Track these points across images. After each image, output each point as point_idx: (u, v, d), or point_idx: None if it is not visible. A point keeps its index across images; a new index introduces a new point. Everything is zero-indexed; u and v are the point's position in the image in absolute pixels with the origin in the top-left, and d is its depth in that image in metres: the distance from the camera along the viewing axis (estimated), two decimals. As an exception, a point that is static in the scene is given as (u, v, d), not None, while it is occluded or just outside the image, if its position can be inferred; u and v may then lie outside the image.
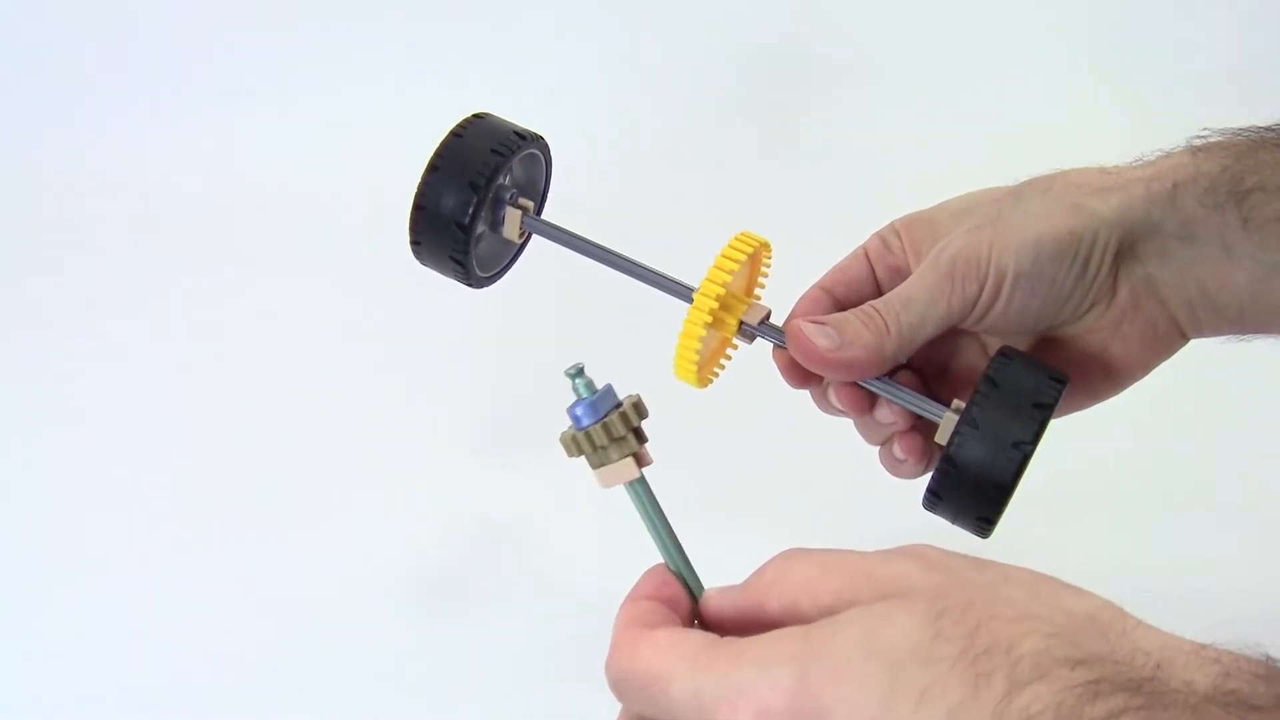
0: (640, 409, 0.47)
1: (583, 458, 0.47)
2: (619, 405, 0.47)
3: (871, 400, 0.57)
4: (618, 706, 0.43)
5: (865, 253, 0.60)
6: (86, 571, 0.83)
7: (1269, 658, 0.36)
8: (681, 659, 0.41)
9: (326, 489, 0.89)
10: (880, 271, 0.59)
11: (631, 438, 0.46)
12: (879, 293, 0.58)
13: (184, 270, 1.11)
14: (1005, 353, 0.54)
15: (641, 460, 0.46)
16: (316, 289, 1.08)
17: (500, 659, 0.76)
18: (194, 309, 1.07)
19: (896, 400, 0.56)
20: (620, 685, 0.42)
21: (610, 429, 0.46)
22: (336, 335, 1.03)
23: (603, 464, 0.46)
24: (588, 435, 0.46)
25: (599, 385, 0.47)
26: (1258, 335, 0.59)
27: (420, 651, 0.76)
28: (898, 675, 0.37)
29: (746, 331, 0.58)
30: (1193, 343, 0.60)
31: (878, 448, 0.59)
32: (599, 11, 1.25)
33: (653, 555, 0.47)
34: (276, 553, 0.84)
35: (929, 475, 0.55)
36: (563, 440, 0.47)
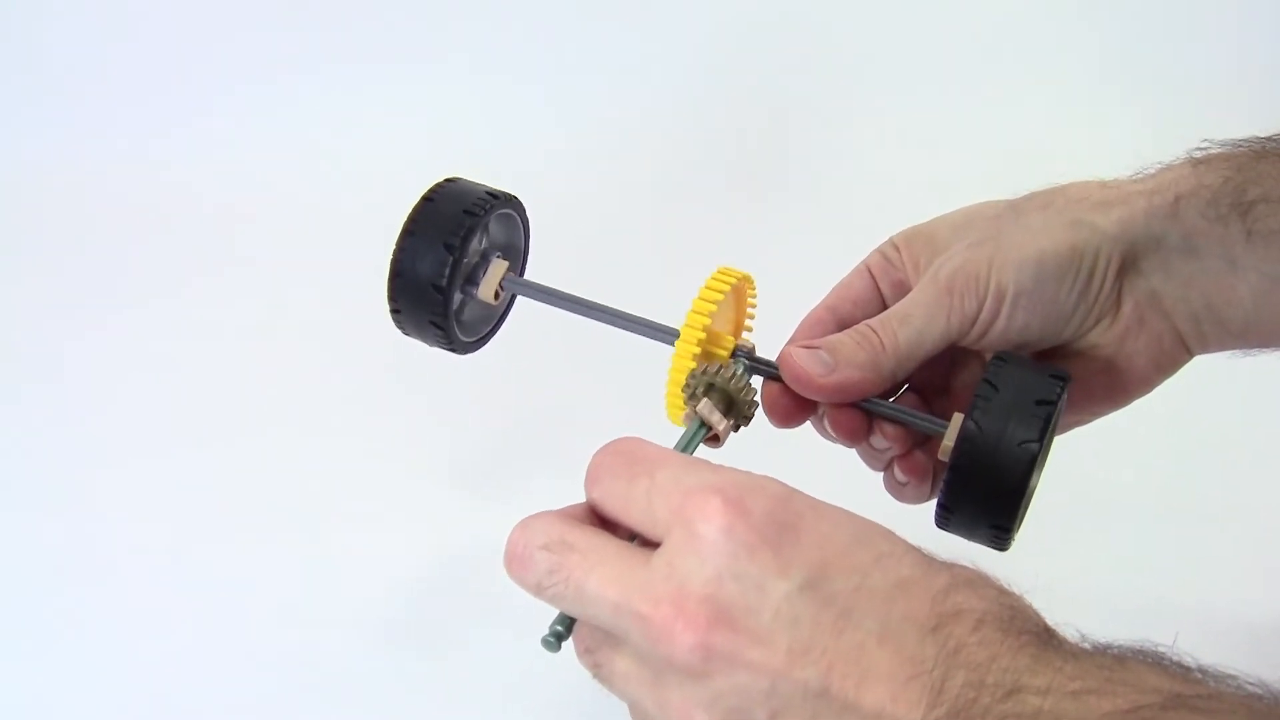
0: (745, 397, 0.54)
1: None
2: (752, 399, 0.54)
3: (868, 427, 0.56)
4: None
5: (868, 269, 0.59)
6: (83, 572, 0.81)
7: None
8: (683, 458, 0.45)
9: (315, 504, 0.87)
10: (885, 288, 0.58)
11: (727, 406, 0.53)
12: (884, 309, 0.57)
13: (183, 274, 1.09)
14: (1001, 356, 0.52)
15: (717, 414, 0.52)
16: (317, 293, 1.07)
17: (489, 688, 0.75)
18: (192, 313, 1.06)
19: (892, 417, 0.55)
20: (604, 458, 0.45)
21: (730, 384, 0.53)
22: (338, 345, 1.01)
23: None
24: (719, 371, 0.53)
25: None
26: (1263, 349, 0.58)
27: (404, 679, 0.75)
28: (865, 535, 0.42)
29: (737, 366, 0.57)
30: (1198, 357, 0.59)
31: (882, 475, 0.59)
32: (590, 41, 1.25)
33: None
34: (270, 563, 0.82)
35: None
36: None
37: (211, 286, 1.09)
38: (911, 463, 0.57)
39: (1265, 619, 0.76)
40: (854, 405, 0.55)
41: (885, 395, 0.55)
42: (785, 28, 1.25)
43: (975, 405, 0.50)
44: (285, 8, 1.25)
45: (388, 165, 1.12)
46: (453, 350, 0.62)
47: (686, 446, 0.52)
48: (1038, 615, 0.41)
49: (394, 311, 0.60)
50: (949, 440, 0.52)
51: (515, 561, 0.44)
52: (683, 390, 0.53)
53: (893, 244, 0.59)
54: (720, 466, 0.43)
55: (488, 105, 1.21)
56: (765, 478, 0.42)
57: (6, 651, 0.76)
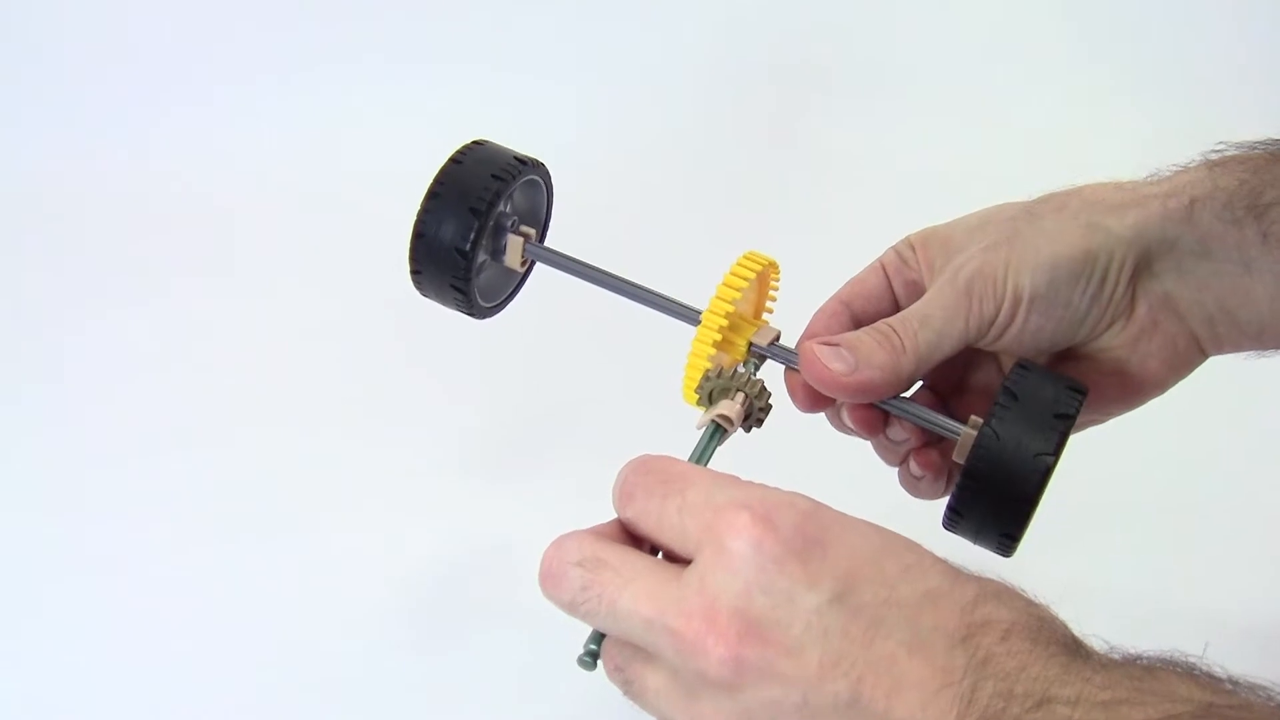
0: (760, 401, 0.54)
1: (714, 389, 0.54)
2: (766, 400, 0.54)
3: (884, 419, 0.57)
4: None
5: (883, 266, 0.59)
6: (82, 572, 0.82)
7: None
8: (712, 474, 0.45)
9: (322, 500, 0.88)
10: (898, 286, 0.59)
11: (742, 402, 0.53)
12: (897, 307, 0.58)
13: (183, 272, 1.10)
14: (1023, 364, 0.53)
15: (733, 420, 0.52)
16: (318, 293, 1.08)
17: (501, 679, 0.75)
18: (192, 311, 1.06)
19: (911, 418, 0.55)
20: (635, 478, 0.45)
21: (749, 387, 0.53)
22: (337, 342, 1.02)
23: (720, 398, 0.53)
24: (738, 378, 0.53)
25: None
26: (1279, 351, 0.58)
27: (416, 673, 0.75)
28: (892, 547, 0.42)
29: (756, 353, 0.57)
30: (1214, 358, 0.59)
31: (897, 469, 0.59)
32: (605, 25, 1.25)
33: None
34: (272, 561, 0.83)
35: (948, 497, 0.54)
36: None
37: (213, 285, 1.09)
38: (927, 457, 0.57)
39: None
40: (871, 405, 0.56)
41: (903, 392, 0.56)
42: (813, 22, 1.25)
43: (994, 413, 0.51)
44: (287, 5, 1.26)
45: (390, 163, 1.12)
46: (471, 315, 0.62)
47: (704, 452, 0.52)
48: (1065, 626, 0.41)
49: (414, 273, 0.60)
50: (965, 445, 0.52)
51: (549, 579, 0.44)
52: (696, 392, 0.53)
53: (909, 243, 0.59)
54: (749, 483, 0.44)
55: (495, 99, 1.22)
56: (793, 493, 0.43)
57: (10, 651, 0.77)
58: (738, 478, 0.44)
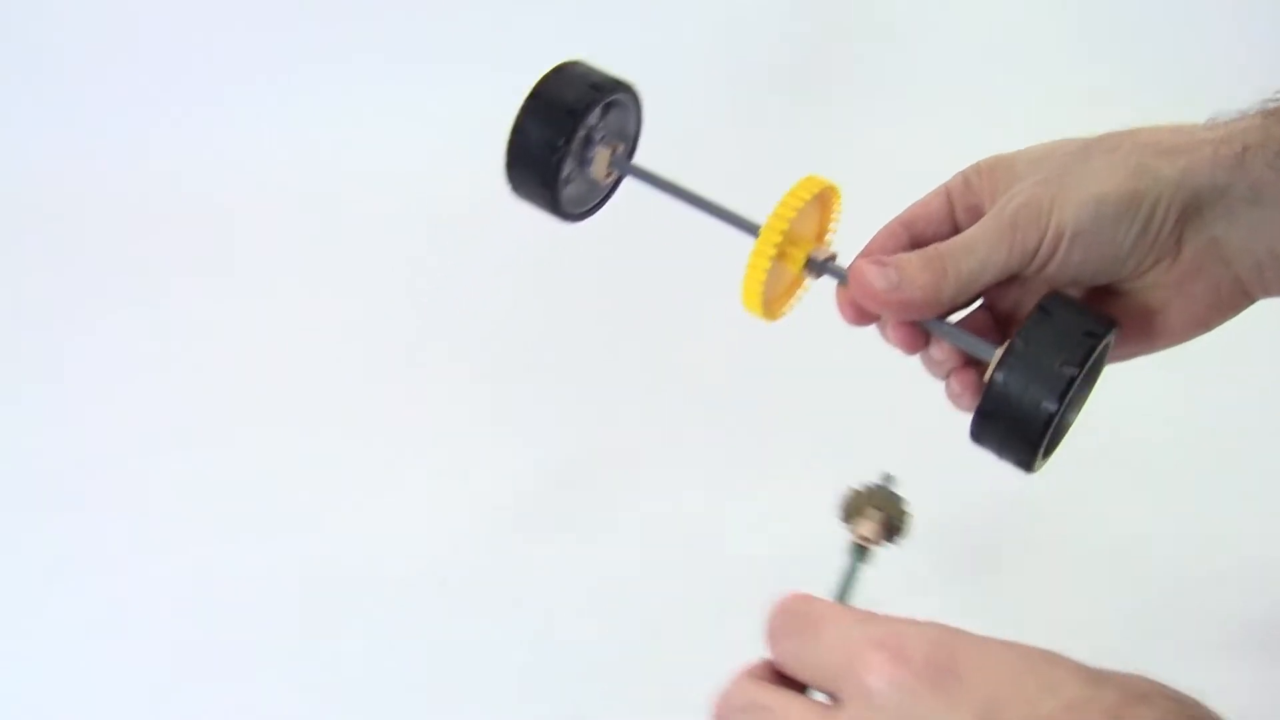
0: (898, 521, 0.54)
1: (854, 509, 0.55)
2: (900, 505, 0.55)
3: (926, 339, 0.58)
4: (634, 700, 0.44)
5: (947, 191, 0.60)
6: (82, 572, 0.82)
7: None
8: (846, 613, 0.46)
9: (322, 500, 0.88)
10: (959, 210, 0.60)
11: (879, 519, 0.54)
12: (956, 231, 0.58)
13: (183, 272, 1.10)
14: (1057, 293, 0.54)
15: (872, 539, 0.54)
16: (318, 293, 1.08)
17: (501, 679, 0.74)
18: (192, 311, 1.06)
19: (946, 338, 0.57)
20: (779, 621, 0.46)
21: (884, 502, 0.54)
22: (337, 341, 1.02)
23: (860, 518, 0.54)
24: (872, 494, 0.54)
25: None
26: None
27: (416, 673, 0.76)
28: (1029, 663, 0.42)
29: (813, 267, 0.59)
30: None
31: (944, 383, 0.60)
32: (606, 25, 1.26)
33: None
34: (272, 561, 0.83)
35: None
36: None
37: (213, 285, 1.09)
38: (966, 376, 0.58)
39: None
40: (909, 323, 0.57)
41: (947, 315, 0.57)
42: (813, 23, 1.27)
43: (1025, 326, 0.52)
44: (287, 5, 1.26)
45: (390, 163, 1.12)
46: (556, 215, 0.64)
47: (850, 576, 0.53)
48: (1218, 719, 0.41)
49: (508, 167, 0.62)
50: (994, 365, 0.53)
51: None
52: (840, 512, 0.55)
53: (976, 169, 0.60)
54: (883, 617, 0.45)
55: (495, 99, 1.19)
56: (928, 623, 0.44)
57: (7, 651, 0.77)
58: (872, 613, 0.45)
